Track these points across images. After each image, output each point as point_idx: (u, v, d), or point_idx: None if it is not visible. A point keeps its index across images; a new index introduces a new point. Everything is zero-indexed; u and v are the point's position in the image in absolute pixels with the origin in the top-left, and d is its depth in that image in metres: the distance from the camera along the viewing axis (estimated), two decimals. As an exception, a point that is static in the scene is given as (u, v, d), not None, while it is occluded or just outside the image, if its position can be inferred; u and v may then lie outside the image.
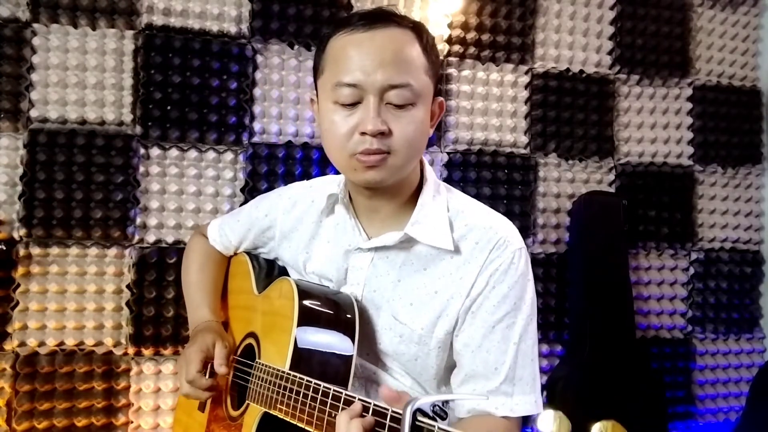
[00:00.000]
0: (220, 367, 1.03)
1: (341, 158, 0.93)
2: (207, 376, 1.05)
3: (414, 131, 0.91)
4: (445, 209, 1.00)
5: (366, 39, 0.90)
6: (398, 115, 0.90)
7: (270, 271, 1.22)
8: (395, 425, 0.70)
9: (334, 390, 0.82)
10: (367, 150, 0.89)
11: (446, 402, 0.70)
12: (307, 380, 0.86)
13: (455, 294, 0.96)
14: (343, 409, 0.78)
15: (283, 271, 1.21)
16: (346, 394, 0.80)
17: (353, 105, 0.90)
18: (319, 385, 0.84)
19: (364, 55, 0.89)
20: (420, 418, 0.67)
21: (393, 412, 0.71)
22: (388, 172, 0.92)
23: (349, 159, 0.92)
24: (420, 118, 0.92)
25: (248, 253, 1.26)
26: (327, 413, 0.81)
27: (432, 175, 1.04)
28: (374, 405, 0.75)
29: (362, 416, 0.74)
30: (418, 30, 0.95)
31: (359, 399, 0.77)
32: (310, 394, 0.85)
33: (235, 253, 1.29)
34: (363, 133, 0.89)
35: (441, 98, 1.00)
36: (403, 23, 0.94)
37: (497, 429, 0.93)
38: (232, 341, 1.16)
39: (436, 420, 0.67)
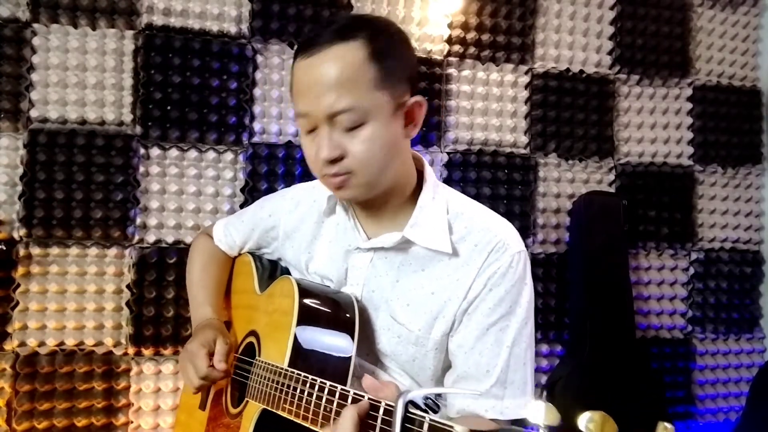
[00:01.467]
0: (219, 363, 1.03)
1: (318, 178, 0.97)
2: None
3: (369, 150, 0.89)
4: (445, 211, 1.00)
5: (308, 66, 0.89)
6: (351, 136, 0.89)
7: (273, 271, 1.23)
8: (388, 417, 0.71)
9: (330, 385, 0.82)
10: (328, 174, 0.91)
11: (438, 395, 0.71)
12: (305, 376, 0.87)
13: (452, 296, 0.96)
14: (339, 404, 0.79)
15: (286, 272, 1.22)
16: (341, 389, 0.80)
17: (313, 131, 0.91)
18: (316, 380, 0.84)
19: (307, 83, 0.89)
20: (412, 410, 0.67)
21: (386, 404, 0.72)
22: (357, 191, 0.93)
23: (322, 179, 0.95)
24: (375, 135, 0.89)
25: (252, 253, 1.27)
26: (324, 408, 0.82)
27: (432, 177, 1.03)
28: (368, 398, 0.75)
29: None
30: (372, 36, 0.88)
31: (354, 393, 0.77)
32: (307, 389, 0.85)
33: (239, 254, 1.30)
34: None
35: (417, 98, 0.94)
36: (349, 35, 0.88)
37: (484, 427, 0.92)
38: (233, 338, 1.17)
39: (427, 412, 0.67)
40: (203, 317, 1.18)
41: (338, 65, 0.86)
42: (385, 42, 0.89)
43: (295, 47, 1.00)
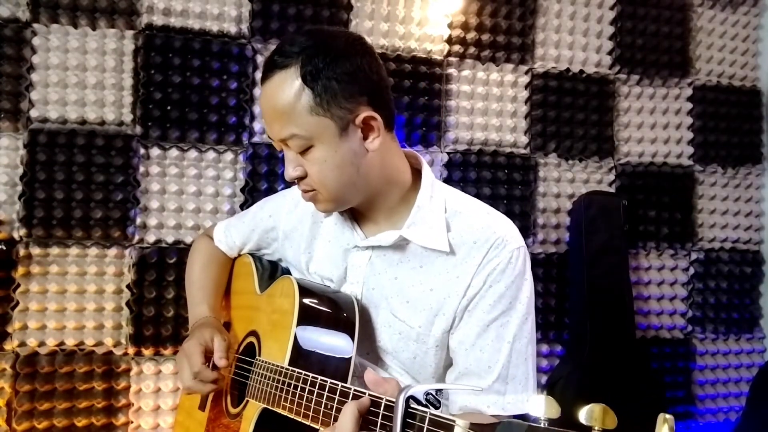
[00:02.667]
0: (220, 360, 1.03)
1: None
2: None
3: (321, 172, 0.93)
4: (443, 210, 1.00)
5: (262, 94, 0.94)
6: (305, 158, 0.93)
7: (273, 272, 1.23)
8: (388, 413, 0.71)
9: (330, 382, 0.82)
10: (301, 189, 0.98)
11: (439, 391, 0.71)
12: (305, 374, 0.87)
13: (452, 293, 0.96)
14: (340, 401, 0.79)
15: (286, 272, 1.22)
16: (342, 386, 0.80)
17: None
18: (316, 378, 0.85)
19: (262, 111, 0.96)
20: (413, 405, 0.67)
21: (387, 400, 0.72)
22: (327, 205, 0.99)
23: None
24: (324, 157, 0.91)
25: (252, 254, 1.27)
26: (324, 405, 0.82)
27: (429, 175, 1.03)
28: (369, 394, 0.75)
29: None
30: (305, 60, 0.88)
31: (355, 390, 0.77)
32: (308, 387, 0.86)
33: (239, 255, 1.30)
34: None
35: (368, 112, 0.91)
36: (285, 63, 0.89)
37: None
38: (233, 339, 1.17)
39: (428, 408, 0.67)
40: (199, 316, 1.19)
41: (276, 95, 0.90)
42: (319, 64, 0.88)
43: None
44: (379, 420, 0.72)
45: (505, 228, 0.98)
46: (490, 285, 0.94)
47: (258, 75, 1.88)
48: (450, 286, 0.96)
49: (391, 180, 1.00)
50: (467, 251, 0.96)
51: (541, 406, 0.54)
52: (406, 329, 0.99)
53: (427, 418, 0.66)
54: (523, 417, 0.95)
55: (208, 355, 1.06)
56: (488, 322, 0.94)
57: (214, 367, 1.05)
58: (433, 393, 0.69)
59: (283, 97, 0.89)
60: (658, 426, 0.52)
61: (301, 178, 0.95)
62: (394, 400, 0.69)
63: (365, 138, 0.93)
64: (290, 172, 0.94)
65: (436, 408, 0.68)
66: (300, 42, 0.90)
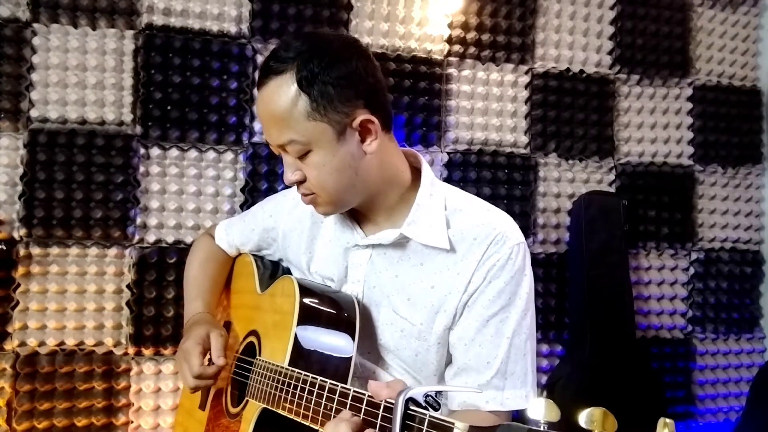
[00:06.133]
0: (218, 358, 1.04)
1: None
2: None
3: (319, 176, 0.93)
4: (442, 207, 1.00)
5: (258, 100, 0.95)
6: (303, 162, 0.93)
7: (274, 271, 1.23)
8: (388, 415, 0.71)
9: (330, 383, 0.82)
10: (300, 193, 0.99)
11: (439, 393, 0.71)
12: (305, 374, 0.87)
13: (453, 289, 0.96)
14: (340, 402, 0.79)
15: (287, 272, 1.22)
16: (342, 387, 0.80)
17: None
18: (316, 379, 0.85)
19: (259, 116, 0.96)
20: (412, 407, 0.67)
21: (386, 402, 0.72)
22: (326, 208, 0.99)
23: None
24: (321, 161, 0.92)
25: (253, 254, 1.27)
26: (324, 406, 0.82)
27: (429, 174, 1.03)
28: (368, 396, 0.75)
29: (353, 416, 0.75)
30: (300, 65, 0.88)
31: (354, 391, 0.78)
32: (308, 388, 0.86)
33: (240, 254, 1.30)
34: None
35: (364, 116, 0.91)
36: (281, 68, 0.89)
37: (485, 423, 0.93)
38: (233, 338, 1.17)
39: (428, 410, 0.67)
40: (194, 312, 1.19)
41: (273, 102, 0.90)
42: (315, 68, 0.88)
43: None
44: (378, 422, 0.72)
45: (505, 224, 0.99)
46: (489, 281, 0.95)
47: (258, 75, 1.88)
48: (451, 283, 0.97)
49: (390, 180, 1.00)
50: (467, 248, 0.97)
51: (540, 409, 0.55)
52: (408, 326, 0.99)
53: (426, 420, 0.66)
54: (522, 412, 0.95)
55: (207, 352, 1.06)
56: (487, 317, 0.95)
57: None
58: (433, 395, 0.69)
59: (279, 104, 0.89)
60: (658, 430, 0.52)
61: (300, 182, 0.96)
62: (393, 401, 0.69)
63: (363, 141, 0.94)
64: (289, 176, 0.95)
65: (436, 410, 0.68)
66: (295, 47, 0.90)
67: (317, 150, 0.91)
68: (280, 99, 0.89)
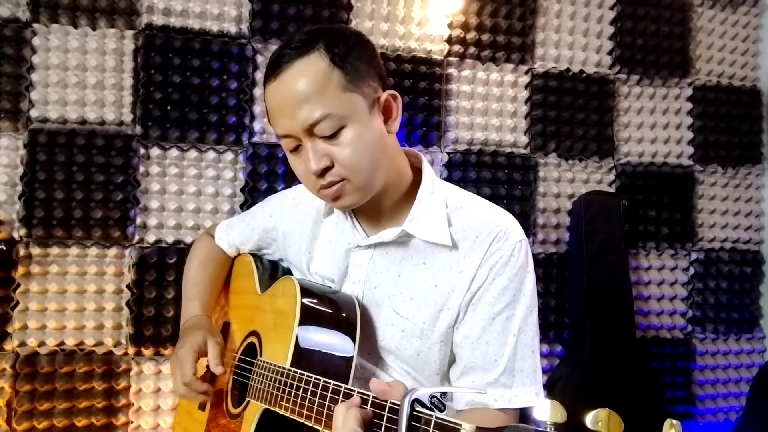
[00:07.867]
0: (216, 367, 1.03)
1: (314, 194, 0.98)
2: (207, 377, 1.05)
3: (355, 152, 0.90)
4: (444, 205, 1.00)
5: (276, 87, 0.90)
6: (335, 143, 0.89)
7: (274, 271, 1.23)
8: (393, 416, 0.71)
9: (333, 384, 0.82)
10: (322, 186, 0.92)
11: (444, 394, 0.71)
12: (307, 375, 0.87)
13: (456, 287, 0.96)
14: (342, 402, 0.79)
15: (287, 272, 1.22)
16: (345, 388, 0.80)
17: (297, 148, 0.93)
18: (319, 380, 0.85)
19: (279, 104, 0.90)
20: (418, 408, 0.67)
21: (391, 403, 0.72)
22: (354, 197, 0.94)
23: (318, 194, 0.96)
24: (357, 136, 0.89)
25: (253, 254, 1.27)
26: (327, 407, 0.82)
27: (429, 172, 1.04)
28: (373, 397, 0.75)
29: (361, 407, 0.75)
30: (328, 44, 0.89)
31: (358, 392, 0.77)
32: (310, 389, 0.86)
33: (239, 253, 1.30)
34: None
35: (390, 91, 0.95)
36: (307, 49, 0.89)
37: (493, 421, 0.93)
38: (233, 339, 1.17)
39: (434, 411, 0.67)
40: (190, 313, 1.19)
41: (303, 79, 0.87)
42: (343, 47, 0.90)
43: (262, 74, 1.00)
44: (384, 423, 0.72)
45: (507, 221, 0.99)
46: (493, 278, 0.95)
47: (258, 75, 1.88)
48: (454, 281, 0.97)
49: (396, 173, 1.00)
50: (470, 245, 0.97)
51: (546, 411, 0.54)
52: (410, 326, 0.99)
53: (433, 422, 0.66)
54: (529, 411, 0.95)
55: (202, 357, 1.06)
56: (493, 315, 0.95)
57: (211, 374, 1.05)
58: (438, 396, 0.69)
59: (311, 79, 0.88)
60: (664, 431, 0.52)
61: (326, 170, 0.91)
62: (398, 403, 0.69)
63: (386, 120, 0.95)
64: (314, 165, 0.89)
65: (441, 411, 0.68)
66: (314, 33, 0.91)
67: (352, 124, 0.89)
68: (312, 75, 0.88)
